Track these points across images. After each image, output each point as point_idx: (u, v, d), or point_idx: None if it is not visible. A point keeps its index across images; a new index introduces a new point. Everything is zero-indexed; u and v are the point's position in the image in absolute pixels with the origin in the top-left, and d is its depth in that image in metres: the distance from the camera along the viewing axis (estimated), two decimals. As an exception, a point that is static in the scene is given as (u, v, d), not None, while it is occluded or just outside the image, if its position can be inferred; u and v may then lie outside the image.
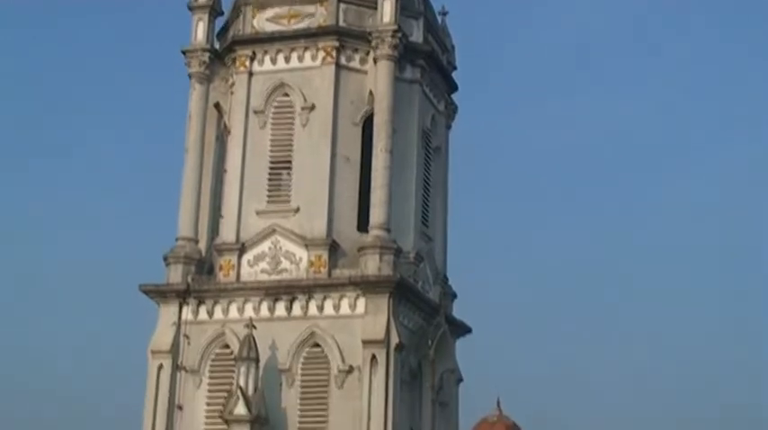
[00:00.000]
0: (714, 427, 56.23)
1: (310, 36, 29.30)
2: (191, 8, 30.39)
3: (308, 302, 27.71)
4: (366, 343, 26.67)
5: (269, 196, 28.98)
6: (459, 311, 31.57)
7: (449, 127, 32.48)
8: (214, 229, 29.67)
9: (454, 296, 31.71)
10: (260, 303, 28.00)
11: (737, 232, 67.16)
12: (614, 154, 75.15)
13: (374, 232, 27.68)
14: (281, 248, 28.37)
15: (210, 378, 28.05)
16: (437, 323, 28.90)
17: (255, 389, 26.51)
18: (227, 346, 28.01)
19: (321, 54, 29.17)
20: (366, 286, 27.12)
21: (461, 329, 31.26)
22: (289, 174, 28.99)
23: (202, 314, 28.51)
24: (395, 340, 26.66)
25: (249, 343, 26.82)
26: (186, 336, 28.36)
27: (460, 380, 31.10)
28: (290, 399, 27.18)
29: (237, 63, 29.65)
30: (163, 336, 28.44)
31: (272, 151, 29.15)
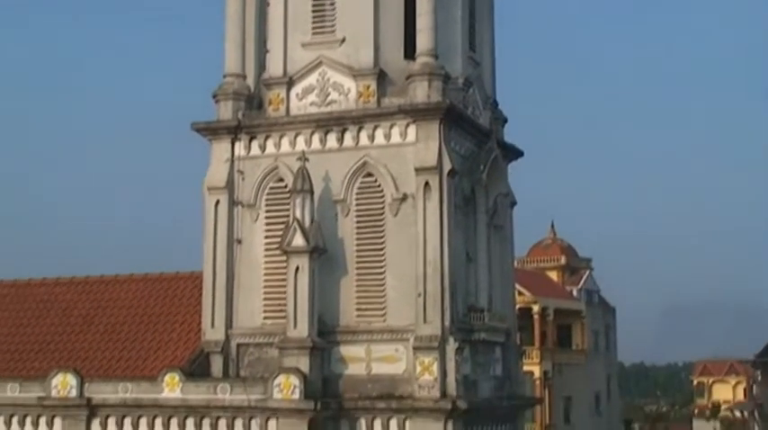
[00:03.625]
0: None
1: None
2: None
3: (358, 133, 27.89)
4: (419, 170, 26.90)
5: (314, 27, 28.84)
6: (510, 135, 31.67)
7: (493, -53, 31.79)
8: (261, 65, 29.72)
9: (505, 120, 31.70)
10: (311, 136, 28.24)
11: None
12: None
13: (421, 59, 27.54)
14: (328, 80, 28.40)
15: (267, 211, 28.58)
16: (488, 148, 29.01)
17: (312, 221, 26.99)
18: (281, 180, 28.43)
19: None
20: (416, 114, 27.16)
21: (513, 153, 31.36)
22: (332, 3, 28.74)
23: (255, 149, 28.85)
24: (447, 166, 26.84)
25: (303, 175, 27.17)
26: (240, 172, 28.78)
27: (514, 203, 31.40)
28: (346, 229, 27.68)
29: None
30: (217, 173, 28.89)
31: (314, -20, 28.85)
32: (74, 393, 28.03)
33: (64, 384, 28.15)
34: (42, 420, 28.63)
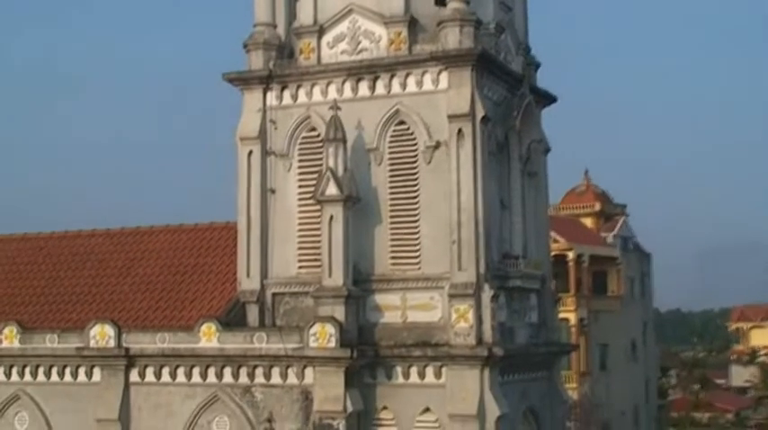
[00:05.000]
0: None
1: None
2: None
3: (390, 80, 27.90)
4: (451, 117, 26.90)
5: (343, -26, 28.75)
6: (543, 81, 31.57)
7: None
8: (291, 13, 29.73)
9: (537, 66, 31.58)
10: (343, 84, 28.28)
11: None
12: None
13: (452, 5, 27.44)
14: (359, 28, 28.38)
15: (300, 161, 28.73)
16: (521, 93, 28.95)
17: (345, 170, 27.11)
18: (313, 129, 28.53)
19: None
20: (448, 60, 27.11)
21: (546, 99, 31.28)
22: (362, -51, 28.61)
23: (286, 99, 28.95)
24: (480, 113, 26.82)
25: (335, 124, 27.25)
26: (272, 122, 28.91)
27: (548, 150, 31.36)
28: (380, 178, 27.79)
29: None
30: (249, 123, 29.04)
31: (342, -74, 28.73)
32: (112, 343, 28.48)
33: (102, 334, 28.59)
34: (81, 370, 29.14)
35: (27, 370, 29.82)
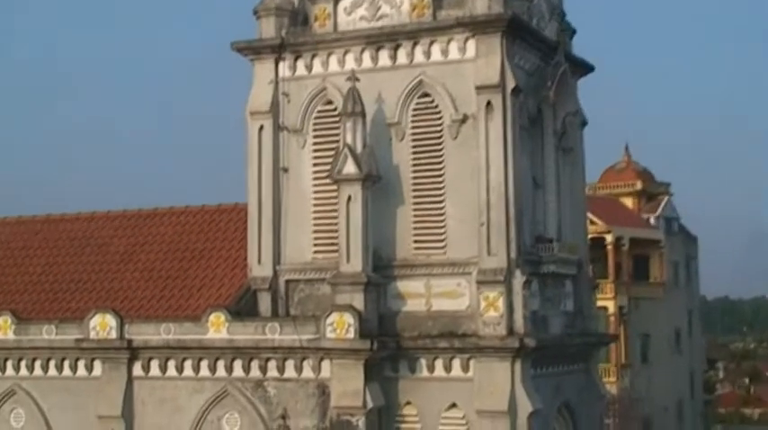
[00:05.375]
0: None
1: None
2: None
3: (413, 49, 27.82)
4: (480, 88, 26.80)
5: (361, -66, 28.65)
6: (579, 48, 31.41)
7: None
8: (305, -24, 29.62)
9: (573, 32, 31.41)
10: (361, 53, 28.21)
11: None
12: None
13: (481, -34, 27.29)
14: (379, -9, 28.31)
15: (315, 137, 28.70)
16: (556, 62, 28.80)
17: (364, 146, 27.06)
18: (329, 102, 28.50)
19: None
20: (475, 26, 27.00)
21: (582, 68, 31.13)
22: None
23: (300, 69, 28.91)
24: (511, 83, 26.71)
25: (353, 96, 27.18)
26: (285, 94, 28.88)
27: (585, 123, 31.24)
28: (402, 154, 27.73)
29: None
30: (260, 96, 29.03)
31: None
32: (113, 334, 28.60)
33: (103, 325, 28.71)
34: (81, 363, 29.29)
35: (23, 363, 30.00)
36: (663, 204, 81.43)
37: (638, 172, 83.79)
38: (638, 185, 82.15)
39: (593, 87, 32.05)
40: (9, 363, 30.19)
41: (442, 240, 27.19)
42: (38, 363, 29.84)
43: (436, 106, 27.57)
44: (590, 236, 39.51)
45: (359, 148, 26.97)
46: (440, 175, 27.37)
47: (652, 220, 79.79)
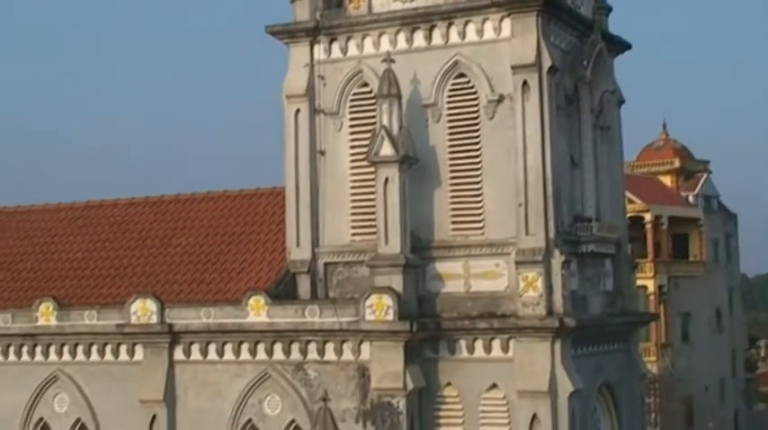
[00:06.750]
0: None
1: None
2: None
3: (448, 29, 27.80)
4: (516, 68, 26.75)
5: None
6: (615, 26, 31.23)
7: None
8: (339, -42, 29.64)
9: (609, 10, 31.27)
10: (396, 35, 28.22)
11: None
12: None
13: (515, -55, 27.19)
14: (413, -28, 28.27)
15: (351, 119, 28.75)
16: (592, 40, 28.68)
17: (400, 128, 27.08)
18: (365, 85, 28.53)
19: None
20: (511, 5, 26.92)
21: (619, 46, 30.98)
22: None
23: (336, 52, 28.95)
24: (547, 62, 26.64)
25: (389, 78, 27.19)
26: (321, 77, 28.94)
27: (622, 101, 31.12)
28: (438, 136, 27.74)
29: None
30: (296, 79, 29.10)
31: None
32: (154, 319, 28.83)
33: (144, 310, 28.94)
34: (123, 348, 29.56)
35: (65, 349, 30.31)
36: (701, 182, 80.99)
37: (676, 150, 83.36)
38: (677, 163, 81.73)
39: (630, 65, 31.85)
40: (52, 349, 30.51)
41: (479, 221, 27.20)
42: (80, 349, 30.15)
43: (472, 87, 27.55)
44: (629, 215, 39.40)
45: (395, 130, 26.99)
46: (476, 156, 27.36)
47: (691, 198, 79.41)
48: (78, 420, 30.24)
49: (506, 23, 27.13)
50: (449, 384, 26.91)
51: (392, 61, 27.39)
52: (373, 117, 27.74)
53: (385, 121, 27.07)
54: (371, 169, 27.34)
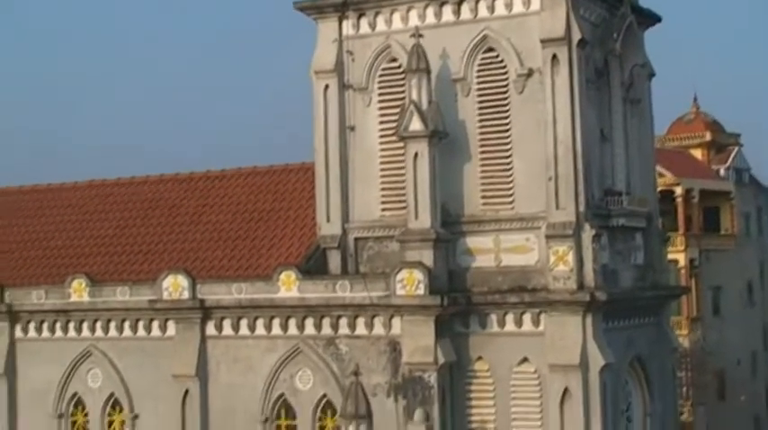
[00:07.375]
0: None
1: None
2: None
3: (476, 3, 27.78)
4: (545, 41, 26.67)
5: None
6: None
7: None
8: (366, -66, 29.57)
9: (639, -18, 31.10)
10: (425, 9, 28.18)
11: None
12: None
13: None
14: (441, -53, 28.18)
15: (380, 95, 28.77)
16: (622, 13, 28.54)
17: (429, 102, 27.07)
18: (394, 60, 28.52)
19: None
20: (540, -21, 26.82)
21: (649, 19, 30.81)
22: None
23: (364, 27, 28.94)
24: (576, 36, 26.55)
25: (418, 53, 27.17)
26: (350, 53, 28.94)
27: (652, 74, 30.97)
28: (468, 110, 27.72)
29: None
30: (325, 55, 29.12)
31: None
32: (186, 295, 29.02)
33: (175, 286, 29.13)
34: (155, 324, 29.78)
35: (98, 325, 30.58)
36: (733, 155, 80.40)
37: (707, 123, 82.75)
38: (708, 136, 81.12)
39: (660, 38, 31.61)
40: (85, 325, 30.79)
41: (509, 195, 27.20)
42: (113, 325, 30.40)
43: (501, 61, 27.49)
44: (659, 188, 39.26)
45: (424, 105, 26.99)
46: (506, 130, 27.33)
47: (722, 172, 78.85)
48: (111, 395, 30.55)
49: (535, -4, 27.05)
50: (480, 358, 27.00)
51: (420, 36, 27.35)
52: (402, 92, 27.73)
53: (414, 96, 27.06)
54: (401, 144, 27.36)
